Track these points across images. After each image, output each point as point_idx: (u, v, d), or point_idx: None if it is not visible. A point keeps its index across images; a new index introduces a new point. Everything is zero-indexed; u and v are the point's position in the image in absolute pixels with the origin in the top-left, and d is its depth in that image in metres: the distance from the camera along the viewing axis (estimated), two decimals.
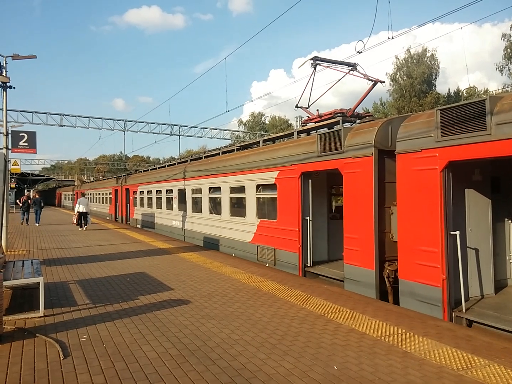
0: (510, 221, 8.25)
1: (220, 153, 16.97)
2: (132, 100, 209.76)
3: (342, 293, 8.25)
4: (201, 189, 16.86)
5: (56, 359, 4.82)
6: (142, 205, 25.95)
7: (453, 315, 6.79)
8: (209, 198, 16.23)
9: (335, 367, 4.59)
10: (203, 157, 18.74)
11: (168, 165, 24.00)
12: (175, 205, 20.10)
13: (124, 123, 38.27)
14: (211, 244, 15.71)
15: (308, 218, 10.60)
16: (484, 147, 6.22)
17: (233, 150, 16.17)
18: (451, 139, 6.71)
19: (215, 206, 15.87)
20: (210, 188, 16.09)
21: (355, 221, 8.85)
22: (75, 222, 22.27)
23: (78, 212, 21.78)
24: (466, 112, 6.51)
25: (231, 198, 14.57)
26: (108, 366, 4.61)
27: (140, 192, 26.17)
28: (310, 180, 10.81)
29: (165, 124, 40.23)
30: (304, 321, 6.23)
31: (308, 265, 10.57)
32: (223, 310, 6.81)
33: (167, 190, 21.30)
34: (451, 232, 6.83)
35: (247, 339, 5.48)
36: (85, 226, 21.72)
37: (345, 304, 7.26)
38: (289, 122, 66.98)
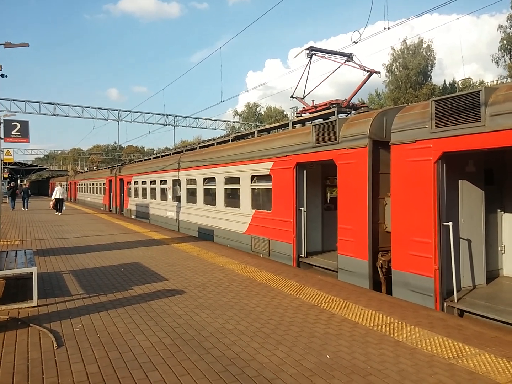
0: (502, 213, 8.31)
1: (215, 144, 16.91)
2: (126, 90, 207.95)
3: (336, 283, 8.30)
4: (195, 179, 16.82)
5: (50, 348, 4.82)
6: (136, 195, 25.87)
7: (445, 305, 6.86)
8: (204, 189, 16.20)
9: (327, 356, 4.64)
10: (197, 148, 18.68)
11: (162, 156, 23.89)
12: (170, 195, 20.05)
13: (118, 113, 37.93)
14: (205, 235, 15.72)
15: (302, 209, 10.62)
16: (478, 139, 6.23)
17: (228, 140, 16.12)
18: (445, 130, 6.72)
19: (210, 197, 15.84)
20: (205, 179, 16.06)
21: (349, 212, 8.88)
22: (52, 207, 26.16)
23: (55, 198, 25.40)
24: (460, 103, 6.51)
25: (225, 189, 14.55)
26: (102, 356, 4.62)
27: (135, 182, 26.07)
28: (304, 171, 10.81)
29: (159, 114, 39.94)
30: (298, 311, 6.26)
31: (302, 255, 10.62)
32: (217, 300, 6.84)
33: (161, 181, 21.24)
34: (444, 223, 6.87)
35: (241, 329, 5.51)
36: (61, 211, 25.50)
37: (339, 294, 7.31)
38: (284, 112, 66.80)
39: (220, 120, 46.57)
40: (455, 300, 6.78)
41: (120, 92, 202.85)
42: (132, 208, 26.53)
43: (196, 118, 42.24)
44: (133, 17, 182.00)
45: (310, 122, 11.64)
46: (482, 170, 7.79)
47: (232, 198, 14.40)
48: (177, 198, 19.01)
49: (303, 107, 12.50)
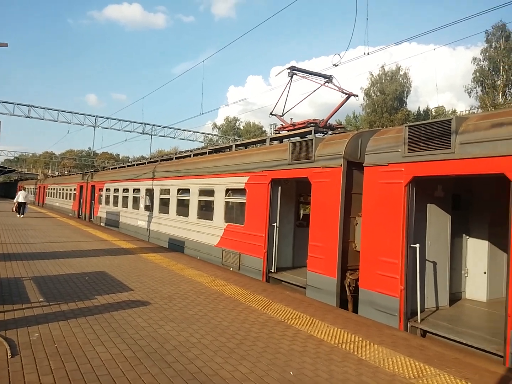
0: (467, 237, 8.56)
1: (192, 155, 16.84)
2: (105, 96, 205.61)
3: (304, 299, 8.31)
4: (169, 190, 16.66)
5: (3, 357, 4.60)
6: (107, 203, 25.34)
7: (408, 325, 6.96)
8: (177, 199, 16.04)
9: (291, 372, 4.60)
10: (174, 158, 18.54)
11: (137, 164, 23.59)
12: (142, 204, 19.75)
13: (95, 119, 37.36)
14: (176, 246, 15.51)
15: (275, 224, 10.65)
16: (448, 165, 6.44)
17: (205, 152, 16.09)
18: (417, 155, 6.91)
19: (183, 208, 15.69)
20: (179, 190, 15.92)
21: (321, 229, 8.95)
22: (14, 210, 26.49)
23: (17, 202, 25.70)
24: (432, 130, 6.73)
25: (199, 201, 14.46)
26: (58, 367, 4.44)
27: (107, 189, 25.57)
28: (279, 187, 10.88)
29: (137, 123, 39.56)
30: (264, 327, 6.22)
31: (272, 271, 10.60)
32: (183, 313, 6.71)
33: (134, 189, 20.92)
34: (412, 245, 7.02)
35: (205, 343, 5.42)
36: (23, 214, 25.59)
37: (306, 310, 7.31)
38: (263, 128, 67.40)
39: (199, 132, 46.53)
40: (419, 321, 6.89)
41: (99, 98, 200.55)
42: (102, 215, 25.94)
43: (175, 129, 42.14)
44: (118, 25, 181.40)
45: (288, 139, 11.78)
46: (450, 195, 8.03)
47: (206, 210, 14.30)
48: (149, 208, 18.75)
49: (282, 125, 12.66)
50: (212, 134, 59.66)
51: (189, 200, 14.98)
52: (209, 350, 5.17)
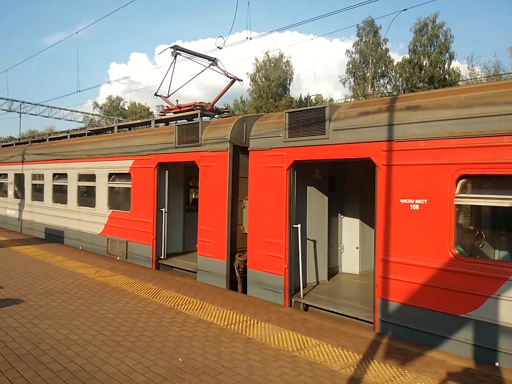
0: (342, 216, 9.38)
1: (69, 137, 15.45)
2: None
3: (194, 284, 8.33)
4: (43, 174, 15.14)
5: None
6: None
7: (292, 300, 7.42)
8: (53, 185, 14.67)
9: (180, 359, 4.59)
10: (47, 140, 16.85)
11: (3, 146, 20.92)
12: (11, 191, 17.65)
13: None
14: (54, 236, 14.24)
15: (163, 209, 10.40)
16: (323, 150, 6.92)
17: (84, 134, 14.92)
18: (296, 140, 7.29)
19: (60, 195, 14.40)
20: (54, 175, 14.56)
21: (210, 213, 8.99)
22: None
23: None
24: (310, 117, 7.14)
25: (79, 187, 13.42)
26: None
27: None
28: (167, 171, 10.62)
29: (2, 99, 34.90)
30: (153, 315, 6.08)
31: (162, 257, 10.39)
32: (62, 309, 6.22)
33: (0, 174, 18.57)
34: (294, 225, 7.45)
35: (88, 338, 5.11)
36: None
37: (196, 295, 7.34)
38: (150, 110, 64.73)
39: (78, 112, 42.79)
40: (301, 296, 7.39)
41: None
42: None
43: (48, 107, 38.08)
44: None
45: (174, 122, 11.49)
46: (327, 178, 8.67)
47: (87, 196, 13.34)
48: (20, 195, 16.85)
49: (168, 106, 12.28)
50: (93, 114, 55.53)
51: (67, 186, 13.80)
52: (92, 346, 4.89)
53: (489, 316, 4.92)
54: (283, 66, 50.61)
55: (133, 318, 5.90)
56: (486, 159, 5.05)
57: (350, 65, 43.59)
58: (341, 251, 9.45)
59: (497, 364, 4.81)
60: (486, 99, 5.19)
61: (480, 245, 6.41)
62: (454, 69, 39.73)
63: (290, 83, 51.86)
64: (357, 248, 9.24)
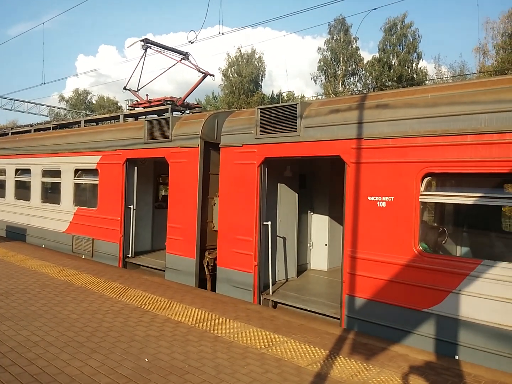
0: (312, 213, 9.46)
1: (32, 131, 14.91)
2: None
3: (163, 283, 8.20)
4: (5, 170, 14.56)
5: None
6: None
7: (261, 298, 7.42)
8: (16, 181, 14.13)
9: (146, 359, 4.50)
10: (10, 133, 16.21)
11: None
12: None
13: None
14: (15, 234, 13.73)
15: (131, 207, 10.19)
16: (294, 147, 6.93)
17: (49, 128, 14.42)
18: (268, 137, 7.27)
19: (23, 191, 13.88)
20: (17, 170, 14.03)
21: (179, 210, 8.87)
22: None
23: None
24: (281, 114, 7.14)
25: (43, 183, 12.98)
26: None
27: None
28: (136, 167, 10.40)
29: None
30: (119, 315, 5.94)
31: (130, 255, 10.18)
32: (23, 310, 5.99)
33: None
34: (264, 223, 7.44)
35: (50, 340, 4.93)
36: None
37: (164, 294, 7.23)
38: (119, 104, 63.29)
39: (43, 105, 41.33)
40: (270, 293, 7.41)
41: None
42: None
43: (12, 99, 36.61)
44: None
45: (144, 117, 11.26)
46: (297, 175, 8.72)
47: (51, 193, 12.92)
48: None
49: (137, 101, 12.02)
50: (59, 108, 53.72)
51: (30, 182, 13.32)
52: (54, 348, 4.73)
53: (450, 311, 5.06)
54: (256, 62, 50.56)
55: (98, 318, 5.75)
56: (451, 158, 5.19)
57: (322, 63, 44.01)
58: (310, 248, 9.53)
59: (457, 357, 4.97)
60: (451, 98, 5.33)
61: (443, 242, 6.60)
62: (422, 68, 40.87)
63: (262, 79, 51.90)
64: (326, 245, 9.35)
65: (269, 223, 7.43)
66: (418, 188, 5.43)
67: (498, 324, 4.73)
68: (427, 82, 37.30)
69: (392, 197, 5.66)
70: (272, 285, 7.47)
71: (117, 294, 7.02)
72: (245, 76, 48.72)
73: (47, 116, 42.87)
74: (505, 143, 4.80)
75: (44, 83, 21.19)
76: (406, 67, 39.90)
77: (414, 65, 40.57)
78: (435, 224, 7.40)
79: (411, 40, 40.22)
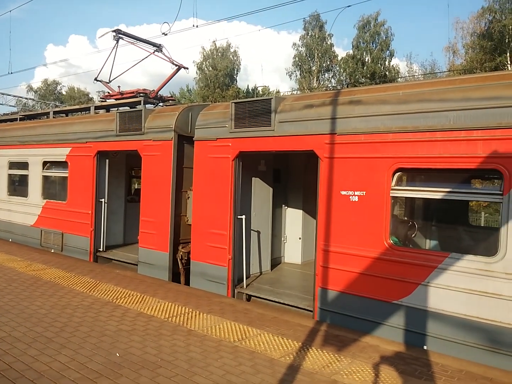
0: (286, 207, 9.52)
1: None
2: None
3: (135, 277, 8.10)
4: None
5: None
6: None
7: (236, 291, 7.43)
8: None
9: (117, 354, 4.44)
10: None
11: None
12: None
13: None
14: None
15: (103, 200, 9.99)
16: (269, 142, 6.94)
17: (16, 119, 13.92)
18: (242, 131, 7.26)
19: None
20: None
21: (152, 204, 8.76)
22: None
23: None
24: (256, 108, 7.13)
25: (10, 175, 12.56)
26: None
27: None
28: (107, 160, 10.19)
29: None
30: (89, 310, 5.83)
31: (101, 249, 9.99)
32: None
33: None
34: (238, 216, 7.44)
35: (17, 335, 4.80)
36: None
37: (137, 288, 7.14)
38: (90, 95, 61.71)
39: (9, 95, 39.80)
40: (244, 286, 7.43)
41: None
42: None
43: None
44: None
45: (116, 109, 11.03)
46: (271, 170, 8.74)
47: (19, 185, 12.52)
48: None
49: (109, 92, 11.75)
50: (27, 98, 51.86)
51: None
52: (22, 343, 4.60)
53: (419, 302, 5.21)
54: (231, 56, 50.23)
55: (68, 313, 5.63)
56: (421, 154, 5.32)
57: (297, 58, 44.12)
58: (284, 241, 9.60)
59: (425, 347, 5.12)
60: (422, 96, 5.45)
61: (413, 235, 6.77)
62: (394, 66, 41.56)
63: (237, 73, 51.62)
64: (300, 238, 9.44)
65: (243, 217, 7.43)
66: (389, 183, 5.54)
67: (464, 315, 4.91)
68: (399, 79, 38.06)
69: (364, 192, 5.76)
70: (246, 278, 7.49)
71: (88, 289, 6.88)
72: (220, 70, 48.36)
73: (14, 106, 41.27)
74: (473, 139, 4.95)
75: (11, 73, 20.46)
76: (379, 65, 40.52)
77: (386, 62, 41.22)
78: (405, 218, 7.59)
79: (384, 38, 40.83)
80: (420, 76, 38.00)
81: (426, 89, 5.50)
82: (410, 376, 4.23)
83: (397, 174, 5.56)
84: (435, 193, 5.40)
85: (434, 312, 5.11)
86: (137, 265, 9.04)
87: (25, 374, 3.91)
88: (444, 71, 35.09)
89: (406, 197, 6.86)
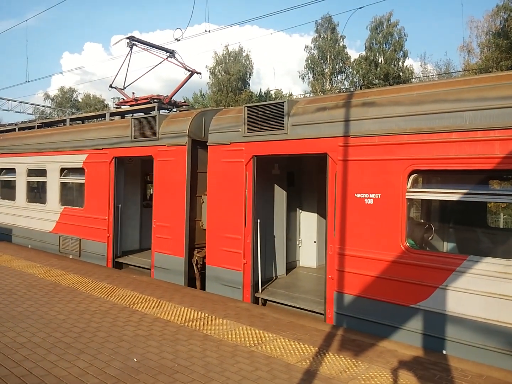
0: (300, 211, 9.49)
1: (17, 129, 14.69)
2: None
3: (152, 282, 8.16)
4: None
5: None
6: None
7: (251, 296, 7.42)
8: (0, 180, 13.92)
9: (135, 359, 4.48)
10: None
11: None
12: None
13: None
14: (1, 235, 13.51)
15: (119, 206, 10.11)
16: (282, 145, 6.94)
17: (34, 127, 14.21)
18: (256, 135, 7.27)
19: (8, 190, 13.68)
20: (1, 169, 13.82)
21: (167, 209, 8.82)
22: None
23: None
24: (268, 112, 7.14)
25: (28, 182, 12.80)
26: None
27: None
28: (123, 166, 10.32)
29: None
30: (107, 315, 5.90)
31: (118, 255, 10.11)
32: (9, 311, 5.91)
33: None
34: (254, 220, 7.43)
35: (37, 341, 4.88)
36: None
37: (153, 293, 7.19)
38: (105, 102, 62.65)
39: (27, 103, 40.66)
40: (260, 291, 7.42)
41: None
42: None
43: None
44: None
45: (131, 115, 11.17)
46: (285, 173, 8.73)
47: (37, 192, 12.76)
48: None
49: (123, 99, 11.91)
50: (44, 106, 52.95)
51: (15, 181, 13.13)
52: (41, 349, 4.67)
53: (437, 306, 5.13)
54: (243, 60, 50.41)
55: (86, 319, 5.70)
56: (436, 155, 5.25)
57: (309, 61, 44.04)
58: (299, 245, 9.56)
59: (444, 352, 5.04)
60: (436, 96, 5.38)
61: (430, 238, 6.68)
62: (408, 66, 41.14)
63: (250, 77, 51.77)
64: (315, 242, 9.39)
65: (258, 221, 7.43)
66: (405, 185, 5.48)
67: (483, 318, 4.81)
68: (413, 80, 37.63)
69: (379, 194, 5.71)
70: (262, 282, 7.48)
71: (105, 294, 6.96)
72: (233, 74, 48.56)
73: (32, 114, 42.20)
74: (489, 140, 4.87)
75: (28, 81, 20.92)
76: (393, 65, 40.16)
77: (400, 63, 40.85)
78: (422, 221, 7.48)
79: (397, 38, 40.48)
80: (434, 76, 37.53)
81: (441, 89, 5.43)
82: (429, 381, 4.16)
83: (412, 176, 5.49)
84: (452, 194, 5.32)
85: (452, 315, 5.03)
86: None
87: (45, 380, 3.97)
88: (459, 71, 34.61)
89: (422, 199, 6.76)
